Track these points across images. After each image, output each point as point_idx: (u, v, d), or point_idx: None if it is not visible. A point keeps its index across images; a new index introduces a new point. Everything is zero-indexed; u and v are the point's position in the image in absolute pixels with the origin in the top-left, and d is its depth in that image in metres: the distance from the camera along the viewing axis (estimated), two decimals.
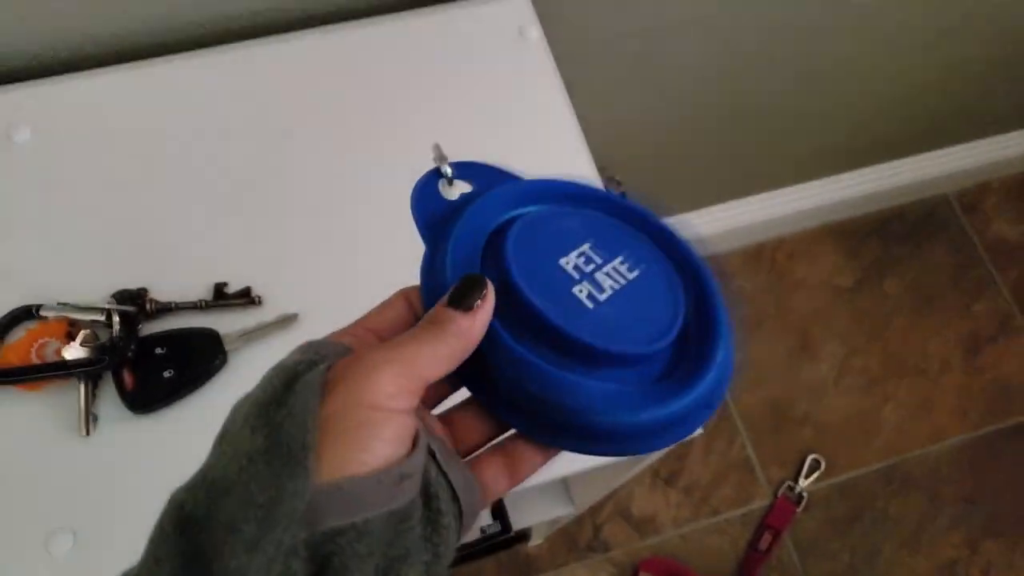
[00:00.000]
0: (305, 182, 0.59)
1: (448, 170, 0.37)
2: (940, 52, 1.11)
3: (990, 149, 1.51)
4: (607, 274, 0.33)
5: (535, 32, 0.66)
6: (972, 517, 1.37)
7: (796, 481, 1.36)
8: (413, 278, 0.36)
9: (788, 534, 1.33)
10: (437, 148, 0.38)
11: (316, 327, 0.54)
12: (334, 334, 0.32)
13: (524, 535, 1.14)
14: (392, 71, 0.64)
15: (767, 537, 1.31)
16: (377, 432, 0.25)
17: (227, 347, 0.52)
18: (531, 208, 0.36)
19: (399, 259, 0.57)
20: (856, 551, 1.34)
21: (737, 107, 1.06)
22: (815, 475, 1.37)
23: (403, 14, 0.66)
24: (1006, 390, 1.47)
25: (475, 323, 0.29)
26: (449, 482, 0.29)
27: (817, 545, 1.34)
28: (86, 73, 0.61)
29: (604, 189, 0.38)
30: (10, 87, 0.59)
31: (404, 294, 0.34)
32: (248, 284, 0.55)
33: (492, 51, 0.65)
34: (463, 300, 0.29)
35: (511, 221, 0.35)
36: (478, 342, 0.29)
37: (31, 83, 0.60)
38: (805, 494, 1.35)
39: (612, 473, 0.74)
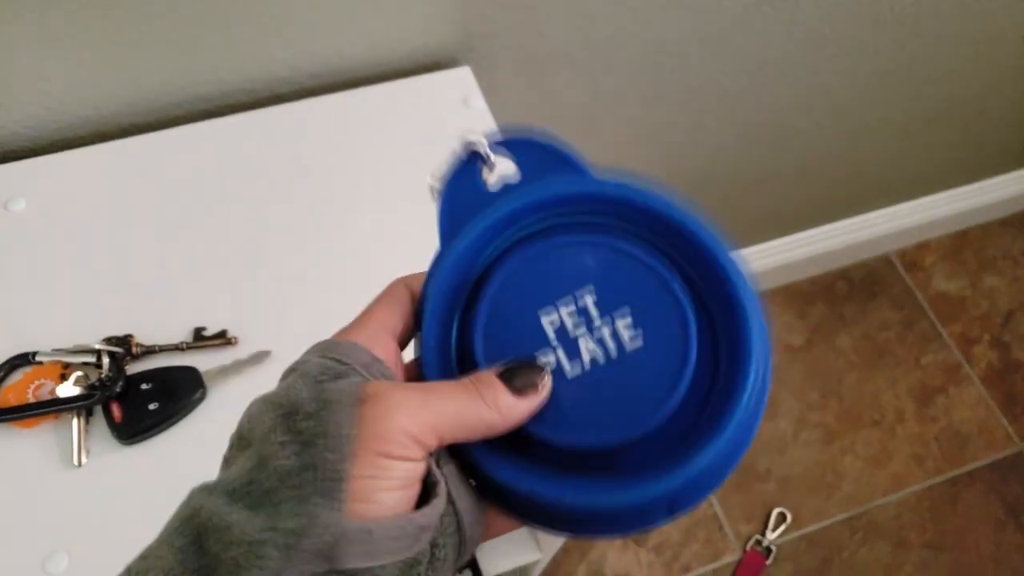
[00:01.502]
0: (272, 236, 0.66)
1: (488, 151, 0.32)
2: (875, 113, 1.20)
3: (926, 208, 1.61)
4: (597, 338, 0.27)
5: (478, 102, 0.74)
6: (936, 563, 1.41)
7: (764, 535, 1.40)
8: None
9: None
10: (472, 134, 0.32)
11: (288, 361, 0.60)
12: (346, 331, 0.30)
13: None
14: (349, 140, 0.72)
15: None
16: (390, 474, 0.24)
17: (207, 382, 0.57)
18: (554, 220, 0.30)
19: (361, 295, 0.63)
20: None
21: (677, 174, 1.15)
22: (782, 528, 1.41)
23: (359, 89, 0.75)
24: (959, 437, 1.53)
25: (519, 408, 0.26)
26: (457, 512, 0.27)
27: None
28: (75, 151, 0.68)
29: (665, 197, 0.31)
30: (7, 164, 0.66)
31: (406, 284, 0.32)
32: (224, 327, 0.61)
33: (439, 120, 0.74)
34: (516, 379, 0.26)
35: (518, 243, 0.29)
36: (512, 427, 0.26)
37: (25, 160, 0.67)
38: (773, 547, 1.39)
39: None
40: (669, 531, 1.39)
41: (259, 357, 0.59)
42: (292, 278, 0.64)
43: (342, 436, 0.24)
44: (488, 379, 0.27)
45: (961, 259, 1.72)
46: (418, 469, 0.25)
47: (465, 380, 0.27)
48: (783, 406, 1.52)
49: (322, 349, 0.28)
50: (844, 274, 1.67)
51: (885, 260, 1.70)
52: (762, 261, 1.51)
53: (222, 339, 0.60)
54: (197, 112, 0.72)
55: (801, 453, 1.48)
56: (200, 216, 0.66)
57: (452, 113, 0.74)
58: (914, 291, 1.67)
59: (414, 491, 0.25)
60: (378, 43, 0.74)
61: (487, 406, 0.26)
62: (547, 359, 0.27)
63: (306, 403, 0.25)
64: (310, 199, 0.69)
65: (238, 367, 0.59)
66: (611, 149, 1.03)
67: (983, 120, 1.39)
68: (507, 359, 0.27)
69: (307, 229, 0.67)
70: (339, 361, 0.27)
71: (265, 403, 0.27)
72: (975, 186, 1.63)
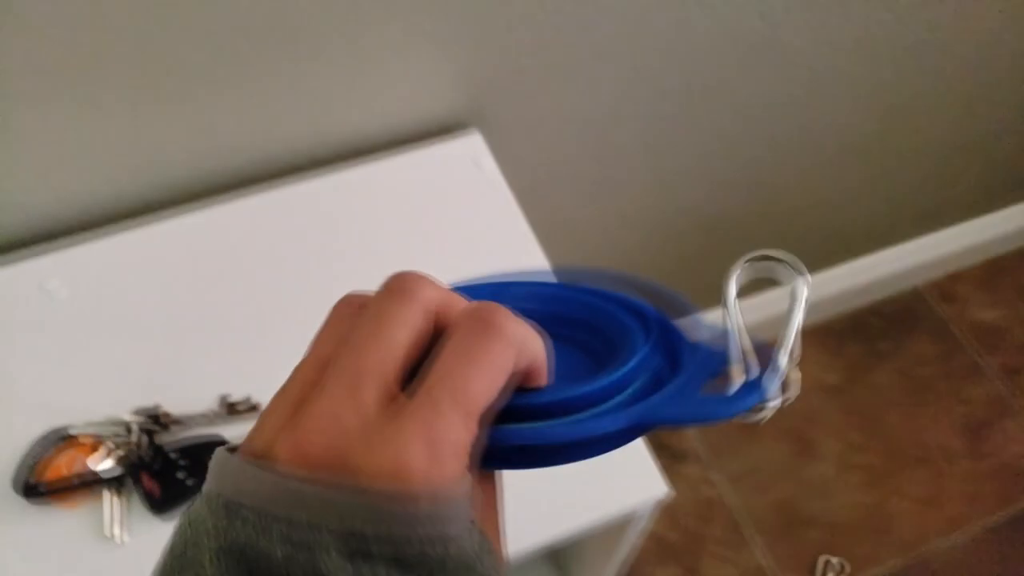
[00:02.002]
0: (294, 304, 0.68)
1: None
2: (899, 141, 1.20)
3: (956, 237, 1.59)
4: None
5: (490, 163, 0.76)
6: None
7: None
8: None
9: None
10: None
11: None
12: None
13: None
14: (367, 208, 0.74)
15: None
16: None
17: None
18: None
19: None
20: None
21: (695, 220, 1.16)
22: None
23: (374, 158, 0.77)
24: (1015, 472, 1.48)
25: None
26: None
27: None
28: (105, 232, 0.71)
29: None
30: (46, 250, 0.70)
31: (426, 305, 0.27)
32: (251, 395, 0.62)
33: (453, 183, 0.76)
34: None
35: None
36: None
37: (58, 240, 0.70)
38: None
39: (603, 549, 0.78)
40: None
41: None
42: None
43: None
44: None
45: (996, 287, 1.69)
46: None
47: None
48: (824, 448, 1.49)
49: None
50: (876, 310, 1.65)
51: (917, 293, 1.68)
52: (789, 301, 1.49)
53: (248, 407, 0.61)
54: (219, 187, 0.75)
55: (848, 497, 1.45)
56: (225, 289, 0.69)
57: (465, 175, 0.76)
58: (949, 323, 1.65)
59: None
60: (390, 114, 0.77)
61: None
62: None
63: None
64: (333, 268, 0.71)
65: None
66: (623, 199, 1.05)
67: (1007, 146, 1.38)
68: None
69: (329, 296, 0.69)
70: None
71: None
72: (1005, 212, 1.61)
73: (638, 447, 0.62)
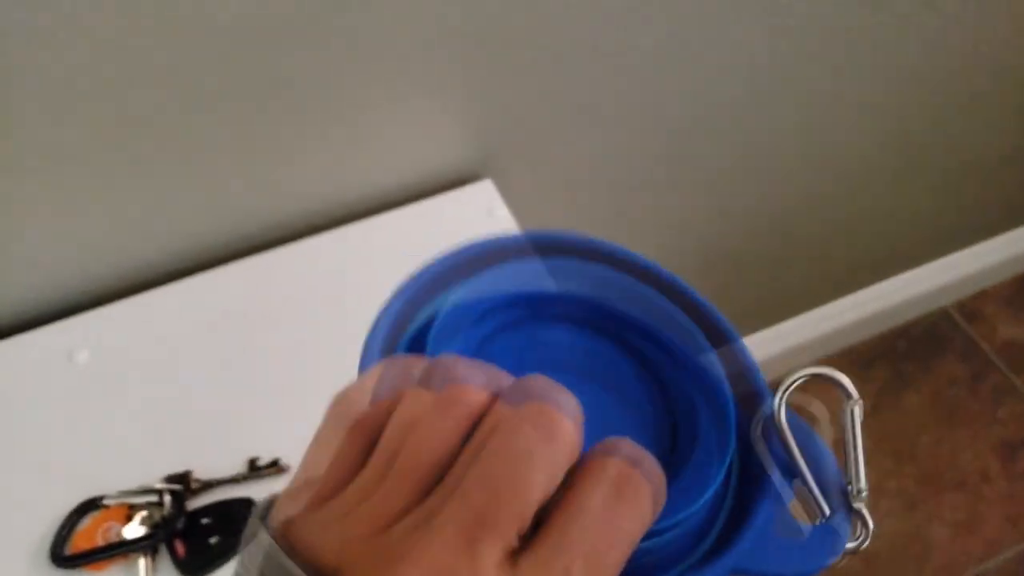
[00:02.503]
0: (313, 362, 0.69)
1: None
2: (919, 161, 1.19)
3: (980, 256, 1.58)
4: None
5: (502, 211, 0.77)
6: None
7: None
8: None
9: None
10: None
11: None
12: None
13: None
14: (383, 262, 0.75)
15: None
16: None
17: None
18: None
19: None
20: None
21: (714, 254, 1.17)
22: None
23: (388, 213, 0.79)
24: None
25: None
26: None
27: None
28: (127, 300, 0.73)
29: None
30: (71, 317, 0.71)
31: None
32: (276, 455, 0.63)
33: (466, 233, 0.77)
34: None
35: None
36: None
37: (85, 313, 0.72)
38: None
39: None
40: None
41: None
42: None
43: None
44: None
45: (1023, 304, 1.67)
46: None
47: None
48: None
49: None
50: (903, 332, 1.63)
51: (944, 313, 1.66)
52: (816, 327, 1.49)
53: (275, 467, 0.62)
54: (238, 250, 0.77)
55: (883, 525, 1.42)
56: (246, 350, 0.70)
57: (478, 224, 0.77)
58: (978, 342, 1.62)
59: None
60: (401, 169, 0.78)
61: None
62: None
63: None
64: (351, 325, 0.72)
65: None
66: (637, 238, 1.05)
67: None
68: None
69: (348, 354, 0.70)
70: None
71: None
72: None
73: None
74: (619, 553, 0.20)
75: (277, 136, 0.70)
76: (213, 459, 0.63)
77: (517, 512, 0.19)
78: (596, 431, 0.22)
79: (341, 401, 0.26)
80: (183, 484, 0.60)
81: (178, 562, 0.56)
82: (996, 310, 1.66)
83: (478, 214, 0.78)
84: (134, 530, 0.57)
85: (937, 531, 1.42)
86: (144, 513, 0.58)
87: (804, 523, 0.27)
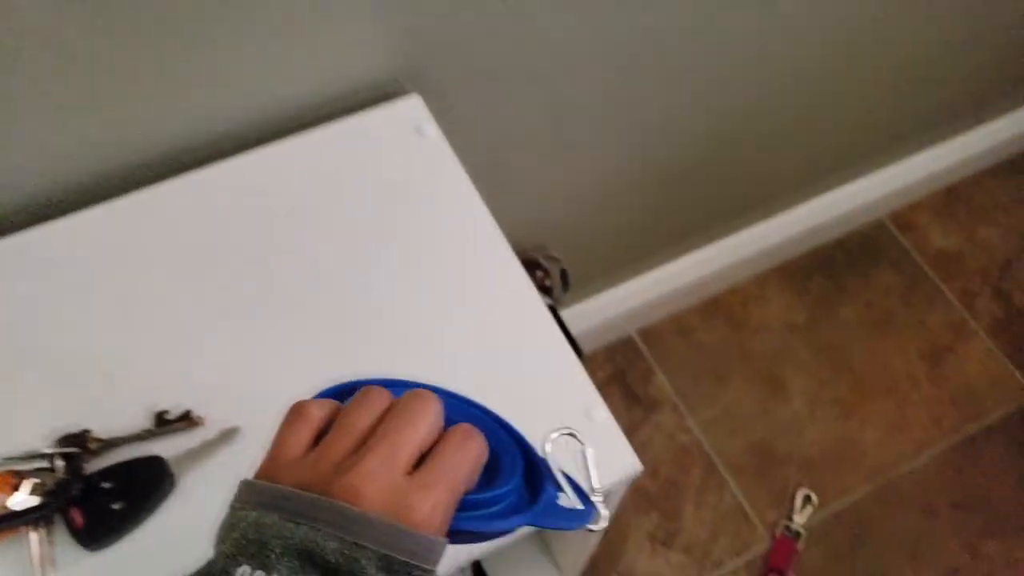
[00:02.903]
0: (224, 301, 0.62)
1: None
2: (854, 69, 1.16)
3: (914, 168, 1.58)
4: None
5: (432, 129, 0.70)
6: (968, 522, 1.38)
7: (791, 519, 1.36)
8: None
9: (793, 572, 1.32)
10: None
11: (259, 436, 0.56)
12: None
13: None
14: (300, 189, 0.68)
15: None
16: None
17: (174, 470, 0.54)
18: None
19: (327, 353, 0.59)
20: None
21: (651, 168, 1.12)
22: (809, 509, 1.37)
23: (304, 134, 0.71)
24: (972, 393, 1.50)
25: None
26: None
27: None
28: (5, 238, 0.64)
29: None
30: None
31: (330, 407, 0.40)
32: (187, 407, 0.57)
33: (393, 153, 0.70)
34: None
35: None
36: None
37: None
38: (802, 530, 1.35)
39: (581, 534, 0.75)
40: (696, 528, 1.36)
41: (228, 435, 0.56)
42: (253, 343, 0.61)
43: None
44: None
45: (954, 214, 1.69)
46: None
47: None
48: (795, 387, 1.48)
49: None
50: (840, 245, 1.63)
51: (879, 225, 1.66)
52: (754, 244, 1.47)
53: (187, 420, 0.56)
54: (134, 180, 0.68)
55: (820, 432, 1.45)
56: (143, 290, 0.63)
57: (406, 144, 0.70)
58: (911, 252, 1.64)
59: None
60: (318, 82, 0.70)
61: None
62: None
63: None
64: (265, 257, 0.65)
65: (207, 449, 0.55)
66: (581, 155, 0.99)
67: (958, 72, 1.35)
68: None
69: (264, 289, 0.63)
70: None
71: None
72: (959, 140, 1.60)
73: (610, 428, 0.59)
74: (468, 469, 0.35)
75: (178, 49, 0.61)
76: (113, 415, 0.56)
77: (414, 444, 0.34)
78: None
79: (300, 406, 0.37)
80: (80, 445, 0.53)
81: (76, 533, 0.51)
82: (928, 220, 1.67)
83: (405, 132, 0.71)
84: (22, 500, 0.50)
85: (870, 435, 1.45)
86: (35, 480, 0.51)
87: (570, 504, 0.43)
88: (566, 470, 0.44)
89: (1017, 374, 1.52)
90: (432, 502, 0.32)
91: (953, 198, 1.70)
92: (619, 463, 0.57)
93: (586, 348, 1.46)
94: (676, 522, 1.37)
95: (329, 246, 0.65)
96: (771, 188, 1.38)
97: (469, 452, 0.35)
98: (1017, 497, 1.40)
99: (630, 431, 1.39)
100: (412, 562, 0.31)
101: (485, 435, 0.41)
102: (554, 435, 0.44)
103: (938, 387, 1.50)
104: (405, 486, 0.32)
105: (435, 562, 0.32)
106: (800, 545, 1.34)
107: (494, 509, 0.38)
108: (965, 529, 1.37)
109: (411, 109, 0.72)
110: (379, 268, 0.64)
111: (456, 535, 0.36)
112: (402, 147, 0.70)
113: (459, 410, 0.44)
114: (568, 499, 0.43)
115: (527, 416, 0.56)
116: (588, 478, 0.44)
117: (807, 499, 1.38)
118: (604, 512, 0.43)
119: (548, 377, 0.60)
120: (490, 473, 0.40)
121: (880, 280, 1.60)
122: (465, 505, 0.36)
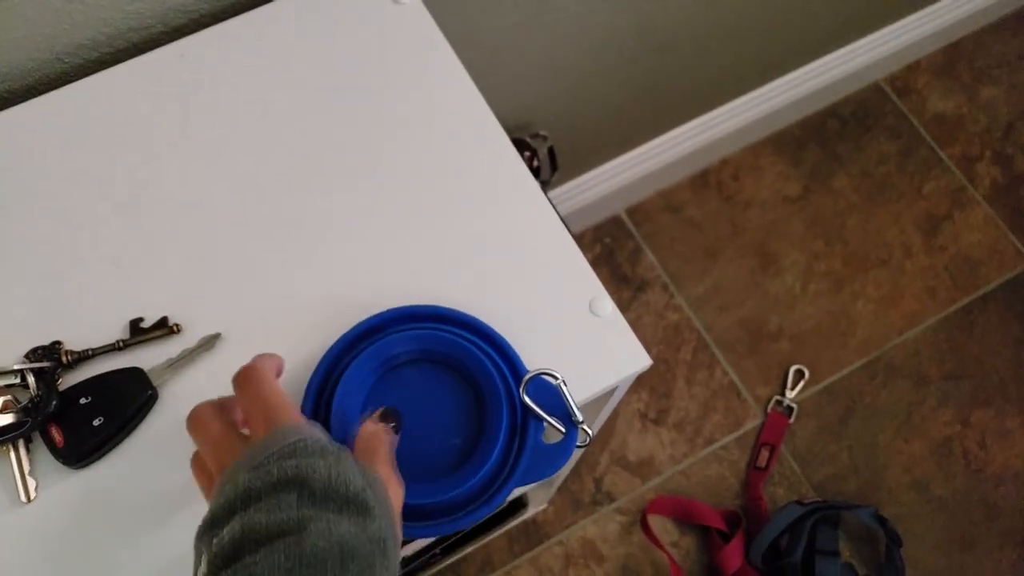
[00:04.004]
0: (196, 199, 0.57)
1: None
2: None
3: (912, 27, 1.51)
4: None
5: None
6: (958, 392, 1.39)
7: (783, 394, 1.37)
8: (323, 284, 0.54)
9: (785, 447, 1.34)
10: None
11: (241, 342, 0.53)
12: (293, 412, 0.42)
13: (521, 503, 1.14)
14: (268, 66, 0.62)
15: (764, 454, 1.32)
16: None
17: (155, 381, 0.50)
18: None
19: (303, 255, 0.55)
20: (853, 449, 1.35)
21: (645, 34, 1.05)
22: (800, 384, 1.38)
23: (263, 8, 0.64)
24: (969, 262, 1.48)
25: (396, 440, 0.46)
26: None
27: (815, 451, 1.35)
28: None
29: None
30: None
31: (274, 367, 0.46)
32: (164, 314, 0.53)
33: (367, 25, 0.63)
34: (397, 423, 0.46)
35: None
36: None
37: None
38: (794, 405, 1.36)
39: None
40: (687, 406, 1.36)
41: (209, 342, 0.52)
42: (228, 246, 0.56)
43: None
44: (389, 432, 0.46)
45: (955, 74, 1.62)
46: None
47: (385, 430, 0.45)
48: (787, 260, 1.46)
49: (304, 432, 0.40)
50: (834, 111, 1.57)
51: (876, 89, 1.60)
52: (747, 113, 1.41)
53: (164, 328, 0.52)
54: (86, 64, 0.62)
55: (812, 306, 1.44)
56: (109, 189, 0.57)
57: (382, 16, 0.64)
58: (909, 117, 1.58)
59: None
60: None
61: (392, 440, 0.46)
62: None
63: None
64: (235, 149, 0.59)
65: (187, 358, 0.51)
66: (563, 17, 0.92)
67: None
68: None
69: (237, 187, 0.58)
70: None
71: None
72: None
73: (617, 322, 0.55)
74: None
75: None
76: (87, 325, 0.52)
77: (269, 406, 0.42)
78: (432, 418, 0.50)
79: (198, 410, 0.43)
80: (52, 359, 0.50)
81: (57, 451, 0.48)
82: (927, 82, 1.61)
83: (380, 2, 0.64)
84: None
85: (862, 307, 1.44)
86: (6, 398, 0.48)
87: (556, 440, 0.49)
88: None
89: (1015, 241, 1.50)
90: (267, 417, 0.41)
91: (954, 57, 1.63)
92: (626, 358, 0.54)
93: (574, 228, 1.42)
94: (667, 400, 1.37)
95: (303, 135, 0.60)
96: (765, 53, 1.31)
97: (254, 390, 0.42)
98: (1010, 366, 1.41)
99: (620, 311, 1.37)
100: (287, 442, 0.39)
101: (471, 371, 0.49)
102: (528, 376, 0.49)
103: (933, 257, 1.48)
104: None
105: (299, 432, 0.40)
106: (792, 420, 1.35)
107: (480, 498, 0.48)
108: (956, 399, 1.39)
109: None
110: (361, 158, 0.59)
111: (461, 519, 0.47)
112: (378, 18, 0.64)
113: (450, 342, 0.49)
114: (553, 430, 0.49)
115: (529, 315, 0.53)
116: (573, 408, 0.49)
117: (799, 374, 1.38)
118: (587, 431, 0.49)
119: (549, 270, 0.57)
120: (482, 423, 0.48)
121: (876, 148, 1.56)
122: (454, 502, 0.47)
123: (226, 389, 0.43)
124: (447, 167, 0.59)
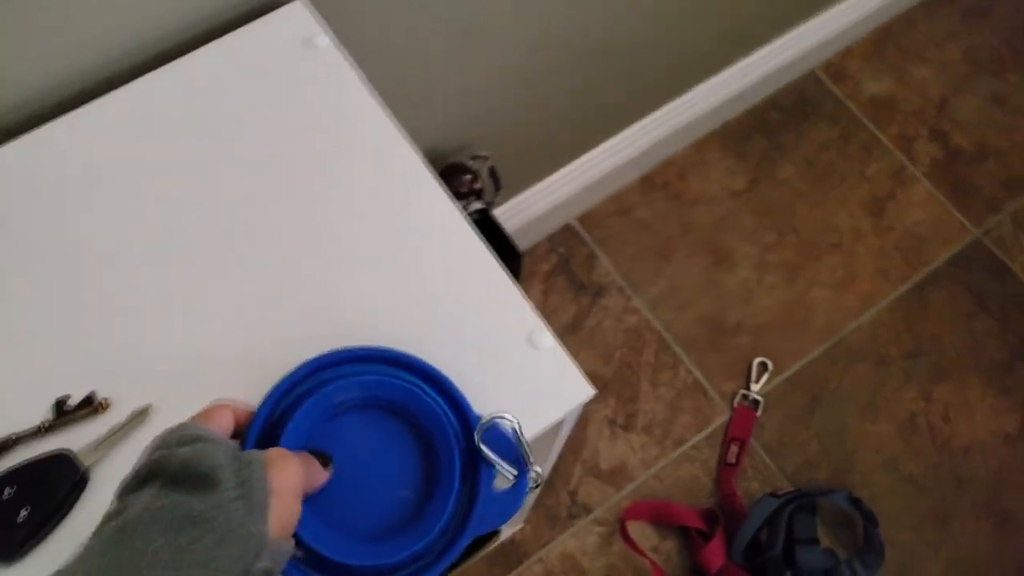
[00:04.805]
0: (115, 256, 0.55)
1: None
2: None
3: (845, 13, 1.52)
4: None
5: (323, 39, 0.62)
6: (918, 369, 1.41)
7: (748, 388, 1.37)
8: (252, 336, 0.53)
9: (755, 440, 1.35)
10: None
11: (173, 412, 0.51)
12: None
13: (495, 530, 1.13)
14: (183, 120, 0.60)
15: (733, 450, 1.33)
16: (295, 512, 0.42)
17: (84, 464, 0.48)
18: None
19: (229, 317, 0.54)
20: (822, 436, 1.36)
21: (575, 43, 1.04)
22: (765, 377, 1.38)
23: (178, 61, 0.62)
24: (916, 239, 1.50)
25: (324, 475, 0.45)
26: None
27: (784, 442, 1.35)
28: None
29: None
30: None
31: (231, 409, 0.45)
32: (90, 388, 0.51)
33: (281, 70, 0.62)
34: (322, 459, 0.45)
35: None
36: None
37: None
38: (760, 398, 1.36)
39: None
40: (654, 408, 1.36)
41: (139, 417, 0.50)
42: (151, 308, 0.54)
43: (264, 482, 0.39)
44: (311, 458, 0.45)
45: (885, 56, 1.64)
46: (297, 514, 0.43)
47: (305, 455, 0.45)
48: (740, 254, 1.47)
49: (193, 434, 0.41)
50: (774, 102, 1.58)
51: (812, 77, 1.62)
52: (687, 112, 1.42)
53: (90, 407, 0.50)
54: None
55: (768, 298, 1.44)
56: (28, 255, 0.55)
57: (296, 59, 0.62)
58: (846, 102, 1.60)
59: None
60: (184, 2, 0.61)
61: (316, 471, 0.45)
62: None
63: (232, 460, 0.40)
64: (150, 208, 0.57)
65: (118, 435, 0.49)
66: (488, 36, 0.91)
67: None
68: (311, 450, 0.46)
69: (153, 246, 0.56)
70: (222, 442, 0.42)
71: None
72: None
73: (557, 354, 0.55)
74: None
75: None
76: (6, 407, 0.50)
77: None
78: (377, 469, 0.48)
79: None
80: None
81: None
82: (859, 66, 1.63)
83: (291, 46, 0.63)
84: None
85: (817, 294, 1.45)
86: None
87: (506, 486, 0.49)
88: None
89: (957, 214, 1.52)
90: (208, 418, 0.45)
91: (884, 40, 1.66)
92: (570, 390, 0.53)
93: (527, 242, 1.41)
94: (634, 404, 1.37)
95: (220, 186, 0.58)
96: (697, 52, 1.31)
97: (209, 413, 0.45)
98: (964, 339, 1.43)
99: (579, 318, 1.37)
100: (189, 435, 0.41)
101: (420, 417, 0.47)
102: (484, 421, 0.47)
103: (882, 238, 1.50)
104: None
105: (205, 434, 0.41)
106: (759, 413, 1.35)
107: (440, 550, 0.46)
108: (917, 376, 1.40)
109: (297, 20, 0.63)
110: (282, 206, 0.58)
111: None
112: (291, 60, 0.62)
113: (395, 386, 0.47)
114: (503, 476, 0.48)
115: (466, 354, 0.52)
116: (526, 451, 0.48)
117: (763, 366, 1.39)
118: (538, 471, 0.49)
119: (483, 305, 0.55)
120: (431, 473, 0.47)
121: (817, 135, 1.57)
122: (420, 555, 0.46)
123: None
124: (367, 208, 0.58)
